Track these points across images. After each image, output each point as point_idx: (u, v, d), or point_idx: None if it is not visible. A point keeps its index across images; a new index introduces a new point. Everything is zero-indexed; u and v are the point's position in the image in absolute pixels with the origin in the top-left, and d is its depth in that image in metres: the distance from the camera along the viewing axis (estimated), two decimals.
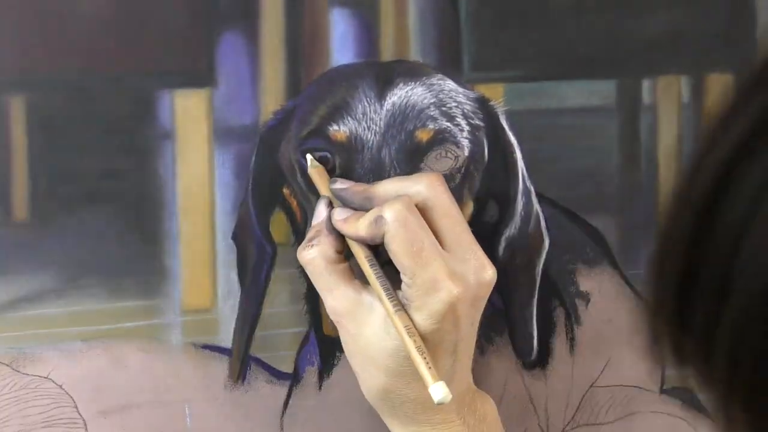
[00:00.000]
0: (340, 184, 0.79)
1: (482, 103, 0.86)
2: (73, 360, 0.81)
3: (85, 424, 0.81)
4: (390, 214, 0.74)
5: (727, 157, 0.47)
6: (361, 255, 0.76)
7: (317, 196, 0.83)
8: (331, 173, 0.82)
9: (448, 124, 0.84)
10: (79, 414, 0.81)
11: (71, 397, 0.81)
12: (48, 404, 0.81)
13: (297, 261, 0.84)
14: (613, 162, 0.90)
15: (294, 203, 0.84)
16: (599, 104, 0.89)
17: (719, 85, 0.91)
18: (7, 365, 0.80)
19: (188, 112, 0.81)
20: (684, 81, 0.91)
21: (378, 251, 0.76)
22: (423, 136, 0.83)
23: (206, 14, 0.81)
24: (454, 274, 0.73)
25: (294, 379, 0.85)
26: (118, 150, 0.80)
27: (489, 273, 0.75)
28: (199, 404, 0.83)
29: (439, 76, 0.85)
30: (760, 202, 0.45)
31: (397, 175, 0.82)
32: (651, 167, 0.90)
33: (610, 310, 0.91)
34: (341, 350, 0.86)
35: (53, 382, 0.81)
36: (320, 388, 0.86)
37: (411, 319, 0.73)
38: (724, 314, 0.46)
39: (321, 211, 0.78)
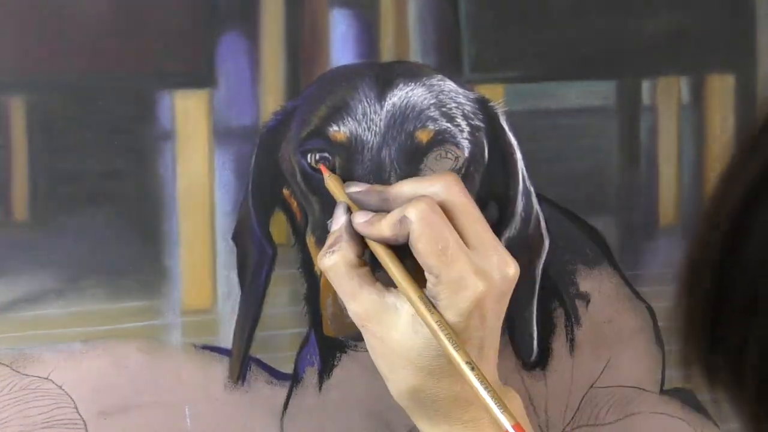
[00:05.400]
0: (356, 188, 0.79)
1: (482, 104, 0.86)
2: (73, 361, 0.81)
3: (85, 425, 0.81)
4: (414, 213, 0.74)
5: (757, 177, 0.47)
6: (385, 257, 0.75)
7: (317, 196, 0.83)
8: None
9: (448, 124, 0.84)
10: (79, 415, 0.81)
11: (71, 398, 0.81)
12: (48, 405, 0.81)
13: (297, 262, 0.84)
14: (613, 162, 0.90)
15: (294, 204, 0.84)
16: (599, 105, 0.89)
17: (719, 85, 0.91)
18: (8, 366, 0.80)
19: (188, 113, 0.81)
20: (684, 81, 0.91)
21: (398, 253, 0.76)
22: (423, 136, 0.83)
23: (206, 15, 0.81)
24: (480, 270, 0.74)
25: (294, 379, 0.85)
26: (118, 150, 0.80)
27: (512, 268, 0.75)
28: (199, 405, 0.83)
29: (439, 76, 0.85)
30: None
31: (397, 175, 0.82)
32: (651, 168, 0.90)
33: (609, 311, 0.91)
34: (341, 351, 0.86)
35: (53, 382, 0.81)
36: (320, 388, 0.86)
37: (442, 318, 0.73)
38: (753, 333, 0.46)
39: (339, 217, 0.77)
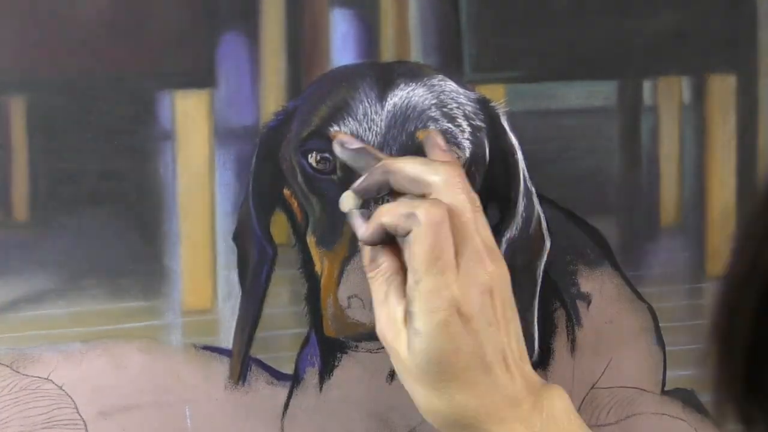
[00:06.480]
0: (350, 144, 0.78)
1: (483, 104, 0.86)
2: (73, 361, 0.81)
3: (86, 425, 0.81)
4: (424, 216, 0.71)
5: None
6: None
7: (318, 196, 0.83)
8: (332, 173, 0.82)
9: (449, 125, 0.84)
10: (80, 415, 0.81)
11: (71, 398, 0.81)
12: (48, 405, 0.81)
13: (297, 262, 0.84)
14: (614, 163, 0.90)
15: (295, 204, 0.84)
16: (600, 105, 0.89)
17: (720, 85, 0.91)
18: (8, 366, 0.80)
19: (188, 113, 0.81)
20: (685, 82, 0.91)
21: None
22: (424, 137, 0.83)
23: (206, 15, 0.81)
24: (457, 288, 0.71)
25: (294, 380, 0.85)
26: (119, 150, 0.80)
27: (484, 275, 0.73)
28: (200, 405, 0.83)
29: (440, 77, 0.85)
30: None
31: None
32: (652, 168, 0.90)
33: (611, 312, 0.91)
34: (341, 351, 0.86)
35: (53, 383, 0.81)
36: (321, 389, 0.86)
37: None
38: None
39: (360, 227, 0.76)
